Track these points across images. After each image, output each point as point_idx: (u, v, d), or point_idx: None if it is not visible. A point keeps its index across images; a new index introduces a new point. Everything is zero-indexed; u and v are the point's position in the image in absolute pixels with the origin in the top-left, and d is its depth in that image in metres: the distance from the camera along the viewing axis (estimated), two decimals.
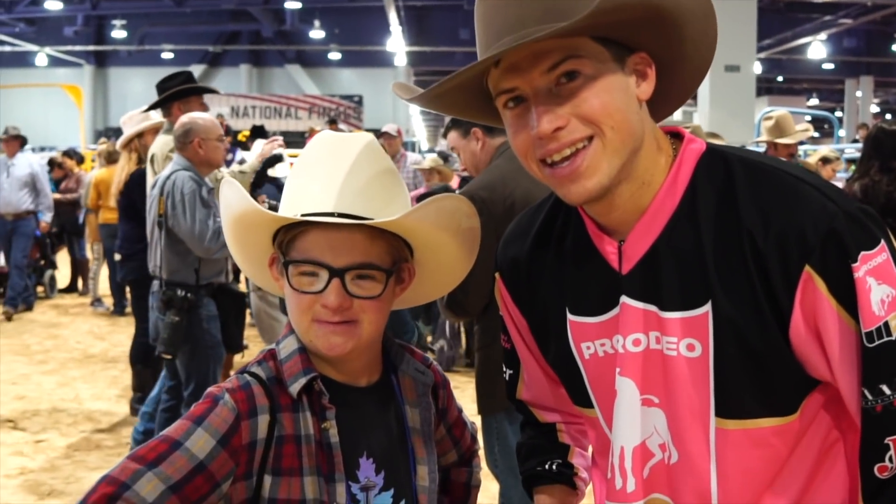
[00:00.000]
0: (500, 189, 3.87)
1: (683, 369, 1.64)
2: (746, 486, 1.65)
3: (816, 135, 41.35)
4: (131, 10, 34.11)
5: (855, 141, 21.09)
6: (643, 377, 1.69)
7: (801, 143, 8.90)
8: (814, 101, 44.17)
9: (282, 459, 1.78)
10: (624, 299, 1.70)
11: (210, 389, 1.82)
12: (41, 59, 35.32)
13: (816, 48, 31.99)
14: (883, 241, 1.54)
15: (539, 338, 1.91)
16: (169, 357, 5.60)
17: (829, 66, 37.31)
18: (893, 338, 1.51)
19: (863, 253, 1.51)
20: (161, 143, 6.43)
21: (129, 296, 7.76)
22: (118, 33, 34.23)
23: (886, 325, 1.51)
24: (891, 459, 1.55)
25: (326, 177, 1.83)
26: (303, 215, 1.78)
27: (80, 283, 14.48)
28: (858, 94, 36.82)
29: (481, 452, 4.55)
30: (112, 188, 7.25)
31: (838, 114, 37.59)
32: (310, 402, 1.82)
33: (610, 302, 1.72)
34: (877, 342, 1.51)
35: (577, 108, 1.56)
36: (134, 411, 7.63)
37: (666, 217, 1.66)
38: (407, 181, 11.29)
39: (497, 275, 1.96)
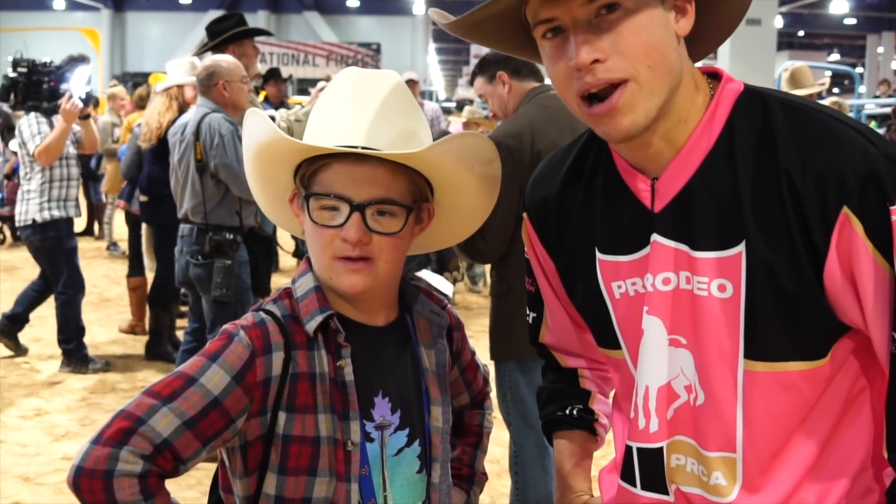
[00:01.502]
0: (527, 138, 3.85)
1: (714, 310, 1.62)
2: (772, 431, 1.63)
3: (836, 90, 41.12)
4: None
5: (876, 97, 20.95)
6: (672, 317, 1.67)
7: (821, 96, 8.82)
8: (835, 57, 43.82)
9: (296, 396, 1.79)
10: (655, 237, 1.67)
11: (225, 326, 1.82)
12: (59, 2, 35.25)
13: (838, 3, 31.67)
14: None
15: (566, 279, 1.89)
16: (228, 301, 5.53)
17: (851, 21, 36.99)
18: None
19: None
20: None
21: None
22: None
23: None
24: None
25: (351, 111, 1.82)
26: (326, 146, 1.78)
27: (95, 227, 14.50)
28: (880, 49, 36.52)
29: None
30: (144, 129, 7.14)
31: (859, 69, 37.29)
32: (325, 340, 1.83)
33: (641, 240, 1.70)
34: None
35: (617, 43, 1.54)
36: (150, 354, 7.68)
37: (702, 155, 1.64)
38: None
39: (525, 215, 1.94)
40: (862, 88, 27.98)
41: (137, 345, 8.10)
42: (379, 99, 1.83)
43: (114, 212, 13.10)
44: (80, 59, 7.59)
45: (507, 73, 4.16)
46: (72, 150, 7.29)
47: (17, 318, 7.67)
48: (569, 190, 1.84)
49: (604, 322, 1.80)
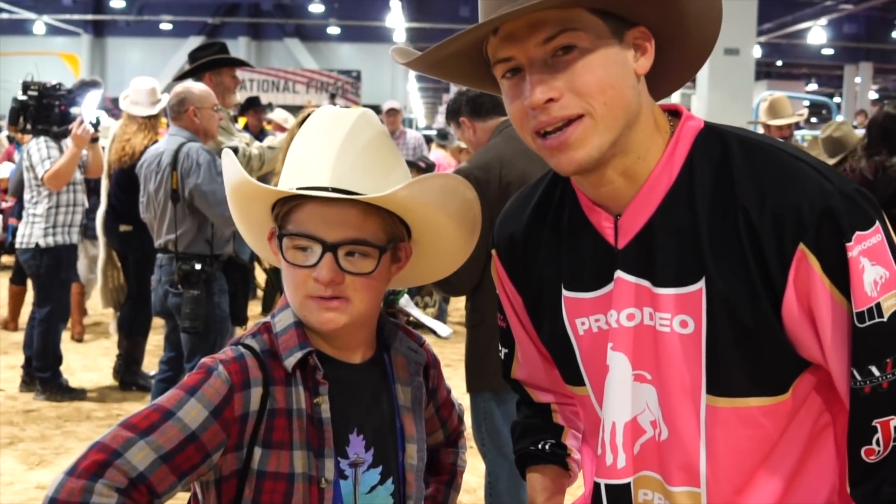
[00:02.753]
0: (495, 170, 3.87)
1: (676, 346, 1.65)
2: (735, 466, 1.66)
3: (814, 120, 41.38)
4: None
5: (854, 127, 21.09)
6: (636, 352, 1.70)
7: (799, 127, 8.87)
8: (813, 87, 44.12)
9: (273, 432, 1.78)
10: (619, 274, 1.70)
11: (204, 360, 1.82)
12: (39, 27, 35.18)
13: (816, 33, 31.90)
14: (878, 223, 1.55)
15: (533, 315, 1.90)
16: (197, 332, 5.56)
17: (829, 51, 37.28)
18: (885, 319, 1.52)
19: (857, 233, 1.52)
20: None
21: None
22: (117, 3, 34.16)
23: (878, 305, 1.52)
24: (878, 443, 1.55)
25: (323, 151, 1.82)
26: (297, 189, 1.78)
27: None
28: (857, 80, 36.77)
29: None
30: (113, 156, 7.14)
31: (837, 99, 37.55)
32: (303, 376, 1.83)
33: (605, 277, 1.73)
34: (868, 323, 1.52)
35: (572, 82, 1.57)
36: (123, 384, 7.64)
37: (662, 193, 1.66)
38: (407, 157, 11.30)
39: (493, 252, 1.96)
40: (840, 118, 28.21)
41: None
42: (353, 139, 1.84)
43: None
44: (92, 84, 7.61)
45: (467, 118, 4.27)
46: (78, 176, 7.30)
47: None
48: (535, 227, 1.87)
49: (568, 358, 1.83)
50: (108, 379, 7.93)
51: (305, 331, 1.85)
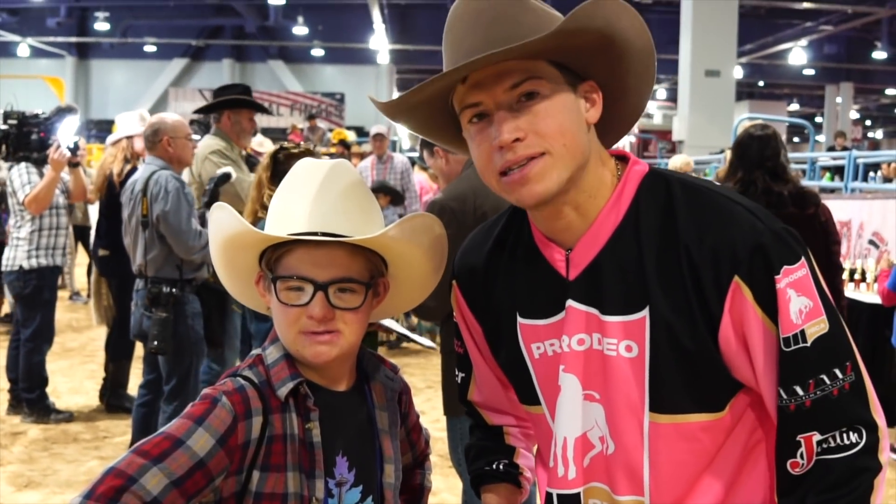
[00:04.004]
0: (470, 200, 3.98)
1: (622, 368, 1.82)
2: (676, 478, 1.83)
3: (796, 140, 41.55)
4: (114, 1, 33.92)
5: (831, 148, 21.24)
6: (585, 374, 1.86)
7: None
8: (794, 107, 44.35)
9: (271, 457, 1.93)
10: (570, 303, 1.87)
11: (206, 391, 1.97)
12: (23, 49, 35.20)
13: (797, 54, 32.13)
14: (803, 258, 1.75)
15: (492, 342, 2.06)
16: (163, 353, 5.72)
17: (810, 71, 37.49)
18: (808, 344, 1.71)
19: (785, 267, 1.72)
20: (203, 145, 6.63)
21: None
22: (101, 25, 34.10)
23: (803, 332, 1.71)
24: (802, 456, 1.73)
25: (308, 199, 1.99)
26: (289, 235, 1.93)
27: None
28: (838, 100, 36.99)
29: (448, 465, 4.66)
30: (96, 182, 7.31)
31: (818, 119, 37.77)
32: (295, 403, 1.98)
33: (557, 305, 1.89)
34: (793, 347, 1.71)
35: (535, 124, 1.75)
36: (110, 407, 7.70)
37: (611, 229, 1.84)
38: (395, 182, 11.38)
39: (454, 282, 2.12)
40: (821, 138, 28.41)
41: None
42: (332, 186, 2.00)
43: (74, 261, 13.09)
44: (68, 110, 7.74)
45: (441, 148, 4.32)
46: (61, 200, 7.43)
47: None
48: (494, 260, 2.03)
49: (525, 381, 1.99)
50: (94, 401, 8.02)
51: (295, 362, 2.00)
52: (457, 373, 2.22)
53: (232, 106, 6.58)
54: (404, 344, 10.72)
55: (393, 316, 2.54)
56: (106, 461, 6.48)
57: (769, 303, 1.71)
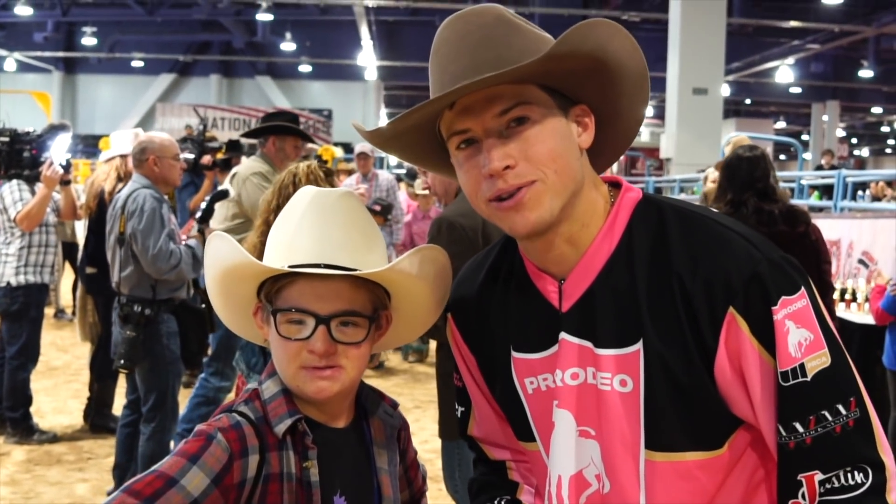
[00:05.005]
0: (478, 216, 3.92)
1: (617, 403, 1.74)
2: None
3: (783, 158, 41.70)
4: (102, 17, 33.98)
5: (819, 167, 21.30)
6: (579, 409, 1.79)
7: None
8: (781, 125, 44.56)
9: (267, 496, 1.85)
10: (563, 335, 1.80)
11: (201, 427, 1.87)
12: (10, 64, 35.17)
13: (784, 72, 32.31)
14: (803, 288, 1.67)
15: (486, 375, 2.00)
16: (127, 371, 5.72)
17: (797, 90, 37.67)
18: (808, 379, 1.63)
19: (783, 297, 1.64)
20: (245, 166, 6.66)
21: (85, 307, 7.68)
22: (88, 40, 34.12)
23: (802, 366, 1.63)
24: (804, 497, 1.66)
25: (310, 229, 1.91)
26: (290, 267, 1.86)
27: None
28: (825, 118, 37.15)
29: (438, 488, 4.60)
30: (87, 199, 7.29)
31: (805, 137, 37.92)
32: (293, 441, 1.89)
33: (550, 338, 1.82)
34: (791, 382, 1.63)
35: (525, 150, 1.69)
36: (94, 428, 7.63)
37: (604, 259, 1.77)
38: (379, 197, 11.35)
39: (449, 315, 2.05)
40: (808, 156, 28.49)
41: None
42: (335, 215, 1.93)
43: (60, 278, 13.00)
44: (61, 128, 7.73)
45: None
46: (52, 218, 7.42)
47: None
48: (486, 291, 1.96)
49: (519, 416, 1.92)
50: (78, 421, 7.91)
51: (293, 397, 1.92)
52: (456, 407, 2.16)
53: (278, 132, 6.65)
54: (387, 364, 10.66)
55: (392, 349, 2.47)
56: (90, 483, 6.41)
57: (766, 335, 1.64)
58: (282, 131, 6.66)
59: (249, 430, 1.86)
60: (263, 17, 31.59)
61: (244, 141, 9.38)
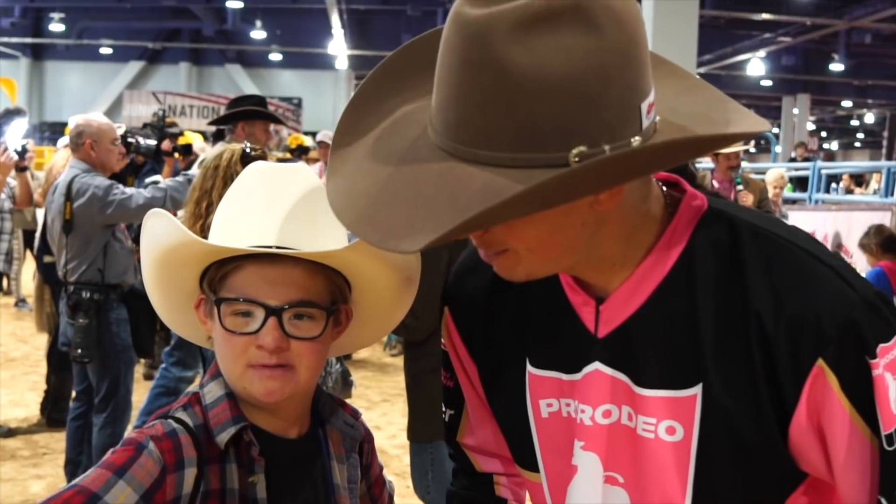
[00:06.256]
0: None
1: (660, 454, 1.46)
2: None
3: (753, 150, 41.77)
4: (70, 3, 33.55)
5: (792, 159, 21.28)
6: (608, 452, 1.51)
7: (741, 157, 8.92)
8: None
9: None
10: (596, 365, 1.50)
11: (131, 435, 1.64)
12: None
13: (755, 65, 32.30)
14: None
15: (487, 385, 1.71)
16: (86, 361, 5.60)
17: (768, 82, 37.69)
18: None
19: (881, 346, 1.35)
20: (214, 152, 6.42)
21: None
22: (56, 26, 33.71)
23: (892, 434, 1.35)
24: None
25: (262, 208, 1.69)
26: (238, 247, 1.64)
27: (4, 282, 14.13)
28: (795, 111, 37.21)
29: (406, 485, 4.46)
30: (45, 185, 7.12)
31: (775, 130, 37.97)
32: (237, 453, 1.67)
33: (580, 362, 1.53)
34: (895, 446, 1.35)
35: (486, 232, 1.38)
36: (51, 422, 7.44)
37: (655, 282, 1.46)
38: None
39: (446, 308, 1.76)
40: (778, 148, 28.53)
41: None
42: (290, 195, 1.71)
43: (21, 267, 12.79)
44: (16, 112, 7.52)
45: None
46: (6, 205, 7.24)
47: None
48: (500, 289, 1.63)
49: (523, 441, 1.64)
50: (35, 415, 7.71)
51: (239, 403, 1.70)
52: (444, 409, 1.87)
53: (247, 117, 6.52)
54: (354, 356, 10.48)
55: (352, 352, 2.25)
56: (45, 481, 6.22)
57: (859, 393, 1.34)
58: (251, 116, 6.51)
59: (187, 440, 1.63)
60: (233, 4, 31.30)
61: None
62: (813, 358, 1.34)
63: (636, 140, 1.25)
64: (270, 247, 1.64)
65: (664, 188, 1.51)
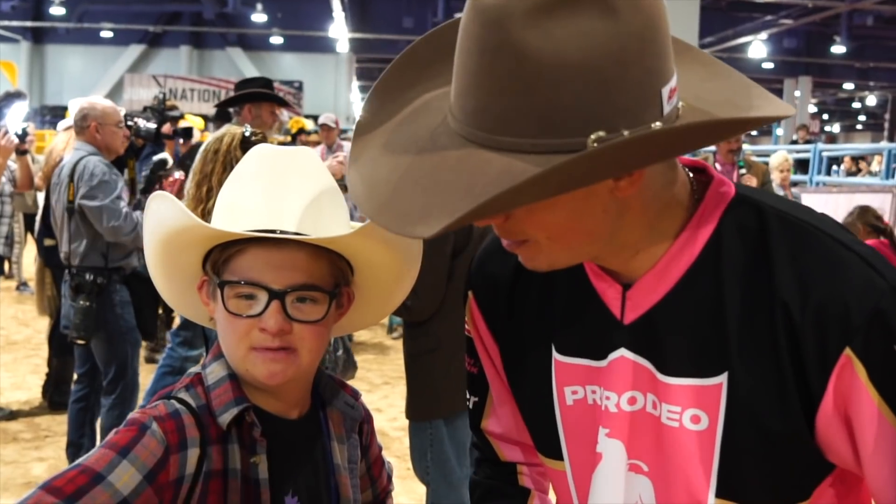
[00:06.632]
0: None
1: (685, 442, 1.45)
2: None
3: (754, 133, 41.71)
4: None
5: (793, 142, 21.25)
6: (632, 440, 1.50)
7: (742, 140, 8.91)
8: None
9: (208, 496, 1.62)
10: (622, 352, 1.50)
11: (134, 415, 1.64)
12: None
13: (757, 47, 32.26)
14: None
15: (510, 371, 1.70)
16: (83, 342, 5.60)
17: (769, 65, 37.61)
18: None
19: None
20: (216, 134, 6.46)
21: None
22: (56, 10, 33.63)
23: None
24: None
25: (265, 192, 1.69)
26: (243, 231, 1.64)
27: (5, 265, 14.13)
28: (797, 93, 37.18)
29: (406, 467, 4.46)
30: (45, 168, 7.10)
31: None
32: (239, 433, 1.68)
33: (606, 349, 1.52)
34: None
35: (506, 219, 1.37)
36: (53, 405, 7.44)
37: (683, 268, 1.45)
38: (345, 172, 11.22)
39: (470, 292, 1.75)
40: (779, 131, 28.47)
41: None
42: (293, 178, 1.71)
43: (23, 250, 12.79)
44: (17, 96, 7.51)
45: None
46: (7, 188, 7.23)
47: None
48: (526, 275, 1.60)
49: (548, 428, 1.63)
50: (37, 398, 7.71)
51: (241, 383, 1.71)
52: (468, 397, 1.85)
53: (253, 99, 6.51)
54: (356, 338, 10.48)
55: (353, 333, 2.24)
56: (47, 463, 6.24)
57: (887, 382, 1.32)
58: (257, 98, 6.50)
59: (190, 420, 1.63)
60: None
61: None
62: (840, 347, 1.32)
63: (657, 125, 1.24)
64: (275, 231, 1.65)
65: (690, 174, 1.49)
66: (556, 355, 1.59)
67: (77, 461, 1.56)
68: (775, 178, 9.40)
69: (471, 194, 1.22)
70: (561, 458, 1.62)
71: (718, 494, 1.44)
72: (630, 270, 1.48)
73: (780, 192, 9.20)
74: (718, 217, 1.44)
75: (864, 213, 7.36)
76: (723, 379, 1.41)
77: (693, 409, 1.43)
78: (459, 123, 1.30)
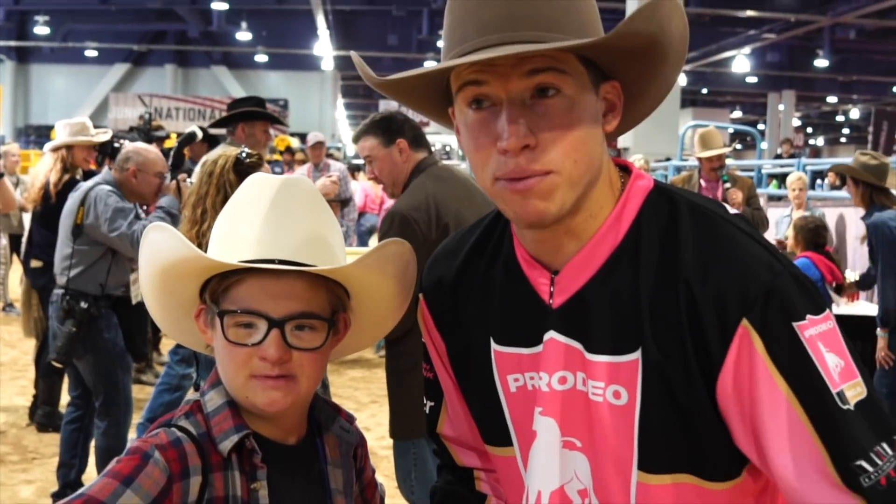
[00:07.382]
0: (432, 210, 3.78)
1: (608, 417, 1.53)
2: None
3: (739, 147, 41.93)
4: (55, 5, 33.50)
5: (778, 156, 21.35)
6: (564, 417, 1.58)
7: (727, 156, 8.93)
8: (737, 114, 44.75)
9: None
10: (551, 334, 1.58)
11: (136, 444, 1.65)
12: None
13: (740, 62, 32.41)
14: (828, 311, 1.45)
15: (457, 366, 1.78)
16: (60, 365, 5.62)
17: (753, 79, 37.81)
18: (852, 407, 1.39)
19: (809, 316, 1.41)
20: (215, 154, 6.49)
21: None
22: (41, 29, 33.65)
23: (842, 393, 1.39)
24: None
25: (263, 221, 1.71)
26: (242, 262, 1.66)
27: None
28: (781, 107, 37.35)
29: (394, 486, 4.47)
30: (32, 190, 7.05)
31: (761, 126, 38.11)
32: (239, 460, 1.69)
33: (537, 335, 1.61)
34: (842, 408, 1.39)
35: (549, 131, 1.45)
36: (40, 427, 7.42)
37: (605, 254, 1.55)
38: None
39: (420, 296, 1.84)
40: (764, 145, 28.62)
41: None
42: (290, 206, 1.73)
43: (8, 271, 12.76)
44: None
45: (406, 142, 4.07)
46: None
47: None
48: (467, 273, 1.74)
49: (495, 417, 1.70)
50: (23, 419, 7.68)
51: (240, 410, 1.72)
52: (425, 402, 1.92)
53: (246, 118, 6.51)
54: (345, 357, 10.45)
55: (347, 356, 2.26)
56: (34, 485, 6.22)
57: (783, 356, 1.39)
58: (250, 117, 6.52)
59: (191, 448, 1.64)
60: (219, 6, 31.31)
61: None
62: (738, 318, 1.41)
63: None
64: (273, 261, 1.67)
65: (619, 171, 1.64)
66: (494, 346, 1.68)
67: (80, 490, 1.57)
68: (790, 196, 9.49)
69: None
70: (510, 443, 1.69)
71: (640, 467, 1.52)
72: (562, 255, 1.58)
73: (796, 211, 9.24)
74: (639, 205, 1.57)
75: (805, 224, 7.37)
76: (637, 355, 1.50)
77: (614, 385, 1.52)
78: (505, 36, 1.45)
